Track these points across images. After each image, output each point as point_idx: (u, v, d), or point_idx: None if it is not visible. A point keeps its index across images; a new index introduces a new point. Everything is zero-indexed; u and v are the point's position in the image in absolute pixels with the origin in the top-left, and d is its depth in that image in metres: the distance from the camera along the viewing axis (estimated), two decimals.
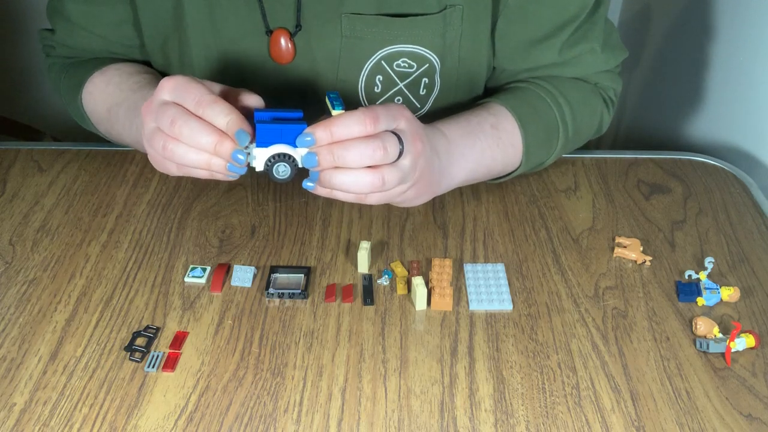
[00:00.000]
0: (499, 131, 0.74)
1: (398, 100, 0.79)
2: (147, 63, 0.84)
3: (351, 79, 0.77)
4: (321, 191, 0.63)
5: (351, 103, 0.79)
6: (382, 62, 0.75)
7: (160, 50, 0.80)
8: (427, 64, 0.76)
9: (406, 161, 0.63)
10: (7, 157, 0.90)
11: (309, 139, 0.59)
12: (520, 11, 0.76)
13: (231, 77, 0.78)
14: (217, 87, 0.65)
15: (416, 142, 0.63)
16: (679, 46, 1.22)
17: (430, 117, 0.81)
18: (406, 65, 0.76)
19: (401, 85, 0.77)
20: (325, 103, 0.63)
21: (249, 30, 0.75)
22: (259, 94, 0.79)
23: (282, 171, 0.62)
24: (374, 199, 0.64)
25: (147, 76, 0.79)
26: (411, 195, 0.67)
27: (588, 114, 0.81)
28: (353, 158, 0.59)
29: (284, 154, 0.62)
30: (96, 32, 0.79)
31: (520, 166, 0.78)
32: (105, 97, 0.80)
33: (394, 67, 0.76)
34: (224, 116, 0.59)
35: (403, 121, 0.62)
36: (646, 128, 1.37)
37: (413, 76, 0.77)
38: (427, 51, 0.75)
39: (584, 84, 0.82)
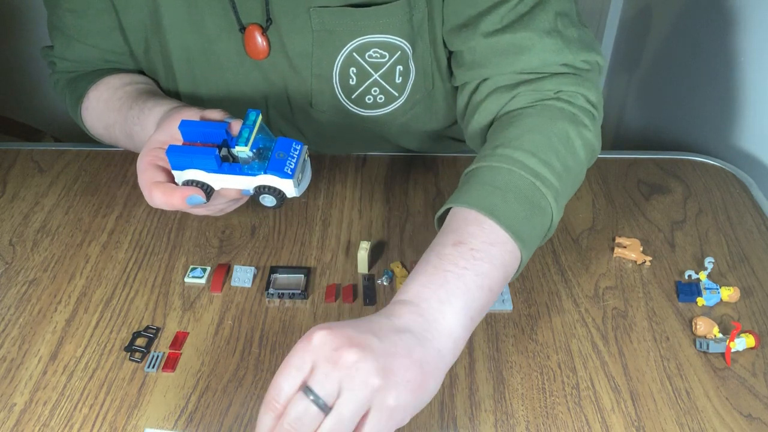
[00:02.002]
0: (464, 243, 0.56)
1: (375, 90, 0.78)
2: (141, 69, 0.85)
3: (325, 74, 0.77)
4: None
5: (328, 99, 0.79)
6: (354, 54, 0.76)
7: (144, 55, 0.81)
8: (399, 52, 0.76)
9: (345, 401, 0.47)
10: (7, 157, 0.90)
11: None
12: None
13: (212, 77, 0.79)
14: (194, 113, 0.66)
15: (339, 356, 0.47)
16: (679, 46, 1.22)
17: (411, 104, 0.81)
18: (378, 55, 0.76)
19: (376, 75, 0.77)
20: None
21: (224, 28, 0.75)
22: (240, 92, 0.80)
23: (196, 200, 0.62)
24: None
25: (129, 89, 0.80)
26: (408, 405, 0.49)
27: (558, 144, 0.64)
28: None
29: (196, 181, 0.62)
30: (88, 43, 0.81)
31: (521, 253, 0.59)
32: (98, 115, 0.81)
33: (367, 58, 0.76)
34: (164, 206, 0.63)
35: (315, 346, 0.48)
36: (646, 128, 1.37)
37: (387, 65, 0.77)
38: (397, 38, 0.75)
39: (534, 115, 0.67)
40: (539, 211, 0.60)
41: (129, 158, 0.89)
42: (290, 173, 0.61)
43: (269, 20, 0.74)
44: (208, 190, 0.62)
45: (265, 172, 0.61)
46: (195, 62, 0.78)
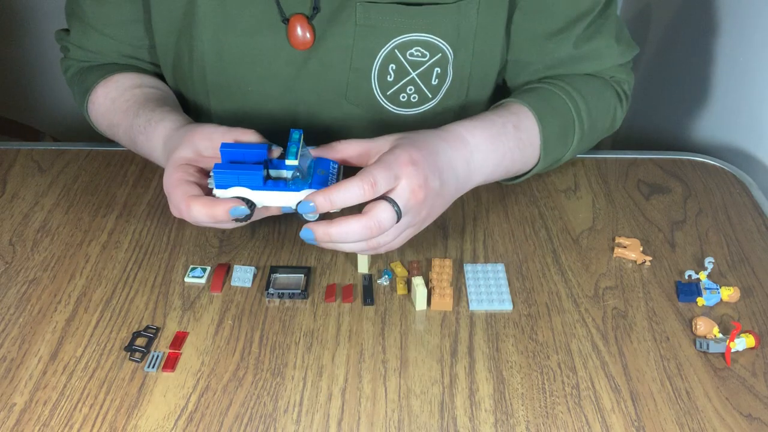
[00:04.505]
0: (521, 131, 0.74)
1: (410, 89, 0.79)
2: (157, 65, 0.85)
3: (364, 68, 0.77)
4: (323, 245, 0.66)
5: (364, 94, 0.78)
6: (396, 51, 0.76)
7: (173, 48, 0.80)
8: (440, 54, 0.76)
9: (405, 219, 0.64)
10: (7, 157, 0.90)
11: (311, 205, 0.61)
12: (536, 4, 0.77)
13: (242, 70, 0.79)
14: (217, 134, 0.67)
15: (417, 193, 0.63)
16: (680, 46, 1.22)
17: (442, 109, 0.82)
18: (419, 54, 0.76)
19: (413, 74, 0.77)
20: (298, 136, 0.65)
21: (264, 21, 0.75)
22: (270, 85, 0.79)
23: (240, 211, 0.63)
24: (384, 249, 0.66)
25: (138, 92, 0.79)
26: (423, 225, 0.68)
27: (603, 107, 0.82)
28: (349, 245, 0.63)
29: (240, 198, 0.64)
30: (106, 32, 0.81)
31: (537, 163, 0.77)
32: (103, 112, 0.81)
33: (407, 56, 0.76)
34: (204, 219, 0.63)
35: (403, 177, 0.62)
36: (646, 128, 1.37)
37: (426, 65, 0.77)
38: (441, 41, 0.75)
39: (597, 78, 0.83)
40: (564, 141, 0.78)
41: (129, 158, 0.89)
42: None
43: (316, 8, 0.74)
44: (250, 206, 0.64)
45: (310, 187, 0.64)
46: (226, 56, 0.78)
